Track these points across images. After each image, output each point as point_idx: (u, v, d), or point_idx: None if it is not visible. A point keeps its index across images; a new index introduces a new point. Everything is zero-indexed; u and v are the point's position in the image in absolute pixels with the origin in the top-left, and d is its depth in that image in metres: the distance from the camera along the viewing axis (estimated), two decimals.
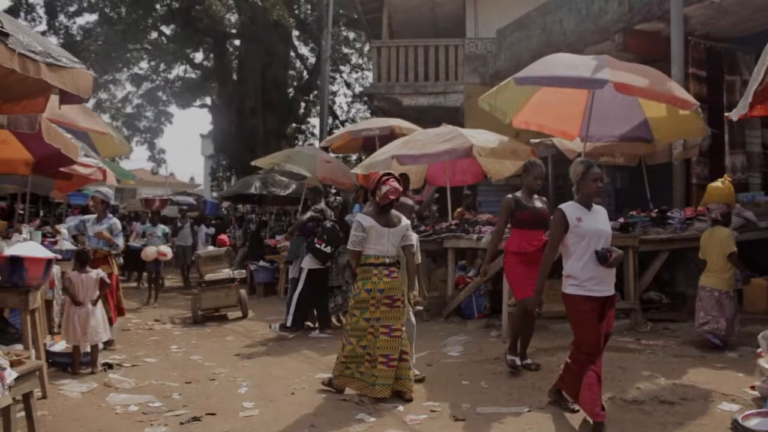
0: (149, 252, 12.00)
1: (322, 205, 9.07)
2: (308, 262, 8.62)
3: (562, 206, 4.79)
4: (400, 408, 5.31)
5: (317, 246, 8.46)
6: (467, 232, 8.72)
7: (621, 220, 8.53)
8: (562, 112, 8.66)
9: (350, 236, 5.75)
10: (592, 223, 4.67)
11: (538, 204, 6.23)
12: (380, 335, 5.53)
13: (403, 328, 5.65)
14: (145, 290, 13.47)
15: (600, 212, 4.84)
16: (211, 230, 17.93)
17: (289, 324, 8.59)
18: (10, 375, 3.34)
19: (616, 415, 4.82)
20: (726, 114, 5.95)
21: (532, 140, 10.45)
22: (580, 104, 8.48)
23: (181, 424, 5.03)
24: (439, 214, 11.31)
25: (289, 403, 5.59)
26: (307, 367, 6.93)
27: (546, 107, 8.51)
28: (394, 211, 5.75)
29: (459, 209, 10.62)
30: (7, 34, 3.47)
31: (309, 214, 8.99)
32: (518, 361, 6.17)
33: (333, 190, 17.72)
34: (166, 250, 12.32)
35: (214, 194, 31.33)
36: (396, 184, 5.67)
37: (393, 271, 5.62)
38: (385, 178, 5.71)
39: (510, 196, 6.24)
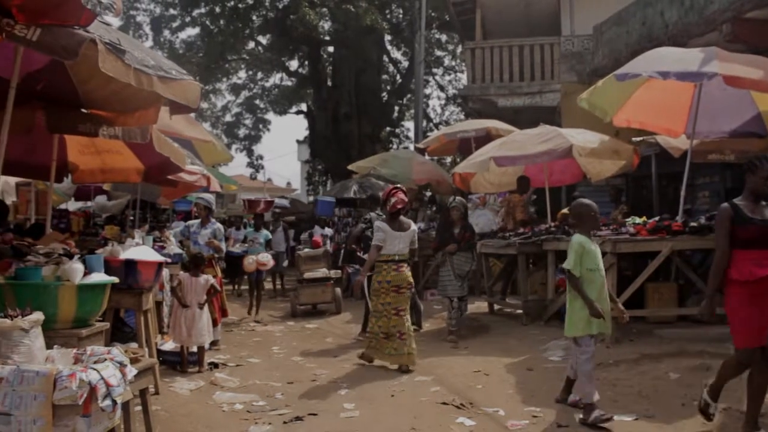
0: (248, 263, 11.25)
1: (372, 214, 9.21)
2: None
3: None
4: (501, 412, 5.24)
5: (359, 255, 9.04)
6: (568, 234, 8.50)
7: None
8: (666, 109, 8.32)
9: (374, 237, 7.05)
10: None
11: None
12: (392, 316, 6.91)
13: (408, 310, 7.00)
14: (240, 292, 13.94)
15: None
16: (328, 231, 15.95)
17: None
18: (131, 371, 3.53)
19: (733, 426, 4.58)
20: None
21: (633, 138, 10.10)
22: (686, 99, 8.12)
23: (285, 423, 5.16)
24: (537, 215, 11.09)
25: (389, 405, 5.64)
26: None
27: (649, 104, 8.20)
28: (403, 218, 7.11)
29: (564, 211, 10.35)
30: (123, 51, 3.68)
31: (360, 225, 9.26)
32: (713, 409, 4.65)
33: (428, 193, 17.75)
34: (266, 259, 11.34)
35: (311, 198, 31.98)
36: (402, 196, 7.02)
37: (401, 266, 6.95)
38: (393, 191, 7.09)
39: (726, 205, 4.52)
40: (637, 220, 8.03)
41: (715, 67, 6.67)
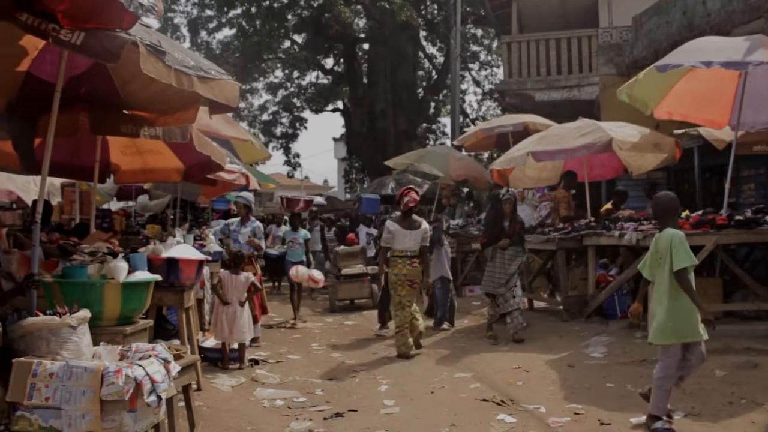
0: (300, 274, 10.58)
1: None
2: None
3: None
4: (542, 409, 5.20)
5: None
6: (608, 229, 8.38)
7: None
8: (709, 100, 8.13)
9: (382, 237, 7.64)
10: None
11: None
12: (406, 306, 7.42)
13: (413, 303, 7.55)
14: (279, 290, 14.07)
15: None
16: (373, 231, 15.48)
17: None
18: (175, 368, 3.59)
19: None
20: None
21: (675, 131, 9.90)
22: (730, 89, 7.92)
23: (325, 419, 5.20)
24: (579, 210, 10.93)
25: (428, 402, 5.63)
26: (445, 366, 6.95)
27: (691, 95, 8.02)
28: (415, 216, 7.50)
29: (607, 206, 10.19)
30: (164, 53, 3.73)
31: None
32: None
33: (465, 189, 17.66)
34: (320, 277, 10.63)
35: (348, 195, 32.09)
36: (414, 195, 7.52)
37: (414, 262, 7.39)
38: (407, 191, 7.60)
39: None
40: (652, 211, 7.87)
41: (762, 55, 6.51)
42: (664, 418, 4.52)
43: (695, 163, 10.90)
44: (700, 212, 7.70)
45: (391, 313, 7.77)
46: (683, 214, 7.77)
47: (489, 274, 8.29)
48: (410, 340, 7.48)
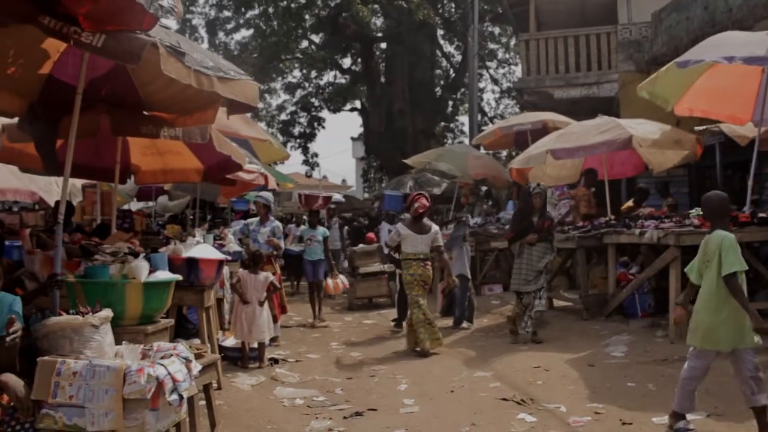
0: (335, 285, 10.75)
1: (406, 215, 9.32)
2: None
3: None
4: (563, 409, 5.17)
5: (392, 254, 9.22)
6: (628, 227, 8.31)
7: None
8: (731, 96, 8.03)
9: (389, 237, 8.19)
10: None
11: None
12: (422, 306, 7.62)
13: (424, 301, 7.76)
14: (298, 289, 14.10)
15: None
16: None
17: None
18: (196, 367, 3.62)
19: None
20: None
21: (696, 128, 9.79)
22: (752, 85, 7.81)
23: (345, 418, 5.22)
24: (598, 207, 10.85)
25: (448, 401, 5.63)
26: (465, 365, 6.94)
27: (712, 91, 7.93)
28: (425, 221, 7.83)
29: (628, 203, 10.10)
30: (183, 54, 3.75)
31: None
32: None
33: (484, 188, 17.60)
34: (346, 282, 11.02)
35: (366, 194, 32.12)
36: (424, 201, 7.80)
37: (426, 264, 7.75)
38: (416, 197, 7.93)
39: None
40: (702, 211, 7.77)
41: None
42: (687, 417, 4.48)
43: (717, 160, 10.78)
44: None
45: (409, 313, 7.88)
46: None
47: (516, 271, 8.07)
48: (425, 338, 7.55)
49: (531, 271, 7.90)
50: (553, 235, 8.26)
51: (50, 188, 8.98)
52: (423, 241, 7.72)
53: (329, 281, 10.59)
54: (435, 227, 7.95)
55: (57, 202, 4.74)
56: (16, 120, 5.02)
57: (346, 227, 18.46)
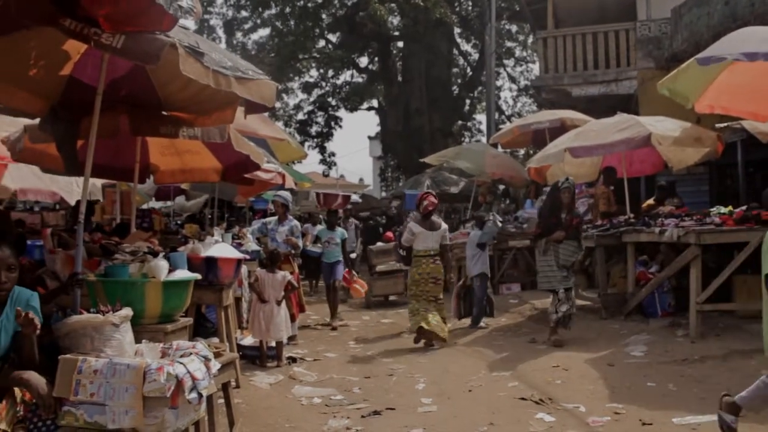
0: (358, 289, 10.82)
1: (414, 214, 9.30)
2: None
3: None
4: (582, 408, 5.14)
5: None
6: (648, 226, 8.24)
7: None
8: (753, 92, 7.89)
9: (403, 237, 8.38)
10: None
11: None
12: (431, 301, 7.94)
13: (441, 297, 8.07)
14: (316, 289, 14.12)
15: None
16: None
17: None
18: (215, 365, 3.63)
19: None
20: None
21: (717, 125, 9.68)
22: None
23: (362, 417, 5.22)
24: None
25: (466, 400, 5.62)
26: (483, 364, 6.92)
27: (734, 88, 7.81)
28: (434, 218, 8.13)
29: (649, 201, 10.00)
30: (202, 54, 3.77)
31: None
32: None
33: (501, 186, 17.53)
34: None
35: (384, 194, 32.10)
36: (432, 199, 8.12)
37: (436, 260, 8.00)
38: (425, 195, 8.25)
39: None
40: (723, 209, 7.68)
41: None
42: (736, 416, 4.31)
43: (738, 158, 10.67)
44: (744, 207, 7.52)
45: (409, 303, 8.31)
46: (725, 210, 7.60)
47: (544, 269, 7.78)
48: (430, 320, 7.87)
49: (561, 268, 7.62)
50: (580, 233, 8.02)
51: (71, 188, 9.06)
52: (433, 238, 8.01)
53: (357, 286, 10.69)
54: (444, 225, 8.27)
55: (78, 202, 4.78)
56: (37, 121, 5.07)
57: (361, 226, 18.43)
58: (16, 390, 3.14)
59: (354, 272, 11.13)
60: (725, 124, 9.64)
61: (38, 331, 3.20)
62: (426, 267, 7.98)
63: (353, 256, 15.28)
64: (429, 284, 7.98)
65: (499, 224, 10.39)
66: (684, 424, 4.60)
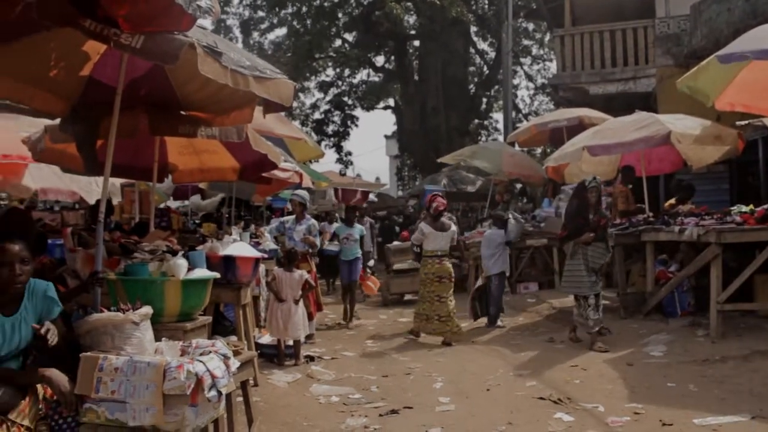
0: (371, 286, 10.85)
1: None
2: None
3: None
4: (601, 408, 5.11)
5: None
6: (667, 224, 8.16)
7: None
8: None
9: (413, 236, 8.61)
10: None
11: None
12: (435, 301, 8.16)
13: (450, 296, 8.22)
14: (334, 288, 14.15)
15: None
16: None
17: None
18: (234, 364, 3.65)
19: None
20: None
21: (738, 122, 9.57)
22: None
23: (380, 416, 5.22)
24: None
25: (484, 399, 5.60)
26: (500, 363, 6.90)
27: (754, 85, 7.72)
28: (444, 219, 8.35)
29: (671, 201, 9.90)
30: (220, 53, 3.78)
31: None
32: None
33: (519, 185, 17.46)
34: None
35: (400, 192, 32.11)
36: (441, 200, 8.43)
37: (442, 260, 8.23)
38: (434, 197, 8.53)
39: None
40: (744, 208, 7.58)
41: None
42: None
43: (760, 155, 10.54)
44: (765, 206, 7.43)
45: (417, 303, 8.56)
46: (746, 209, 7.51)
47: (572, 273, 7.44)
48: (429, 328, 8.28)
49: (589, 272, 7.29)
50: (608, 234, 7.74)
51: (90, 188, 9.15)
52: (443, 238, 8.25)
53: (369, 283, 10.76)
54: (454, 227, 8.55)
55: (98, 201, 4.82)
56: (58, 121, 5.12)
57: (377, 225, 18.37)
58: (39, 387, 3.17)
59: (368, 269, 11.15)
60: (746, 122, 9.53)
61: (56, 341, 3.21)
62: (431, 267, 8.23)
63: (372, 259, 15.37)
64: (434, 284, 8.21)
65: (522, 221, 10.38)
66: (705, 425, 4.55)
